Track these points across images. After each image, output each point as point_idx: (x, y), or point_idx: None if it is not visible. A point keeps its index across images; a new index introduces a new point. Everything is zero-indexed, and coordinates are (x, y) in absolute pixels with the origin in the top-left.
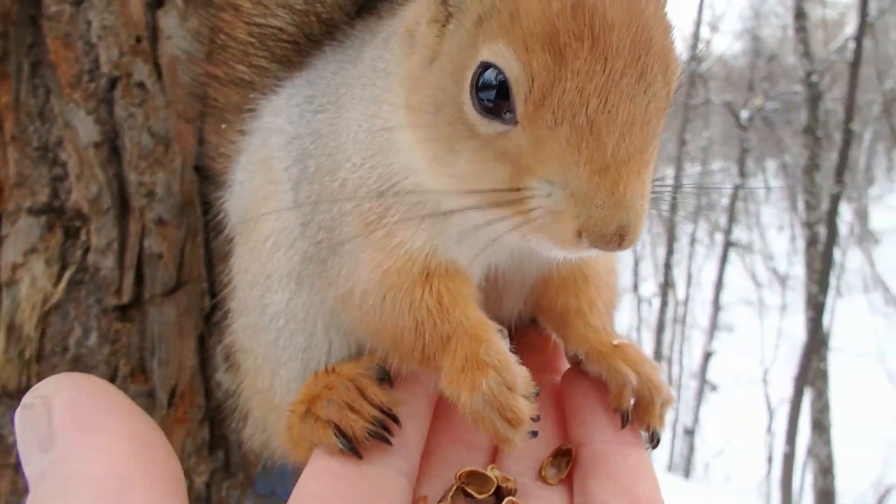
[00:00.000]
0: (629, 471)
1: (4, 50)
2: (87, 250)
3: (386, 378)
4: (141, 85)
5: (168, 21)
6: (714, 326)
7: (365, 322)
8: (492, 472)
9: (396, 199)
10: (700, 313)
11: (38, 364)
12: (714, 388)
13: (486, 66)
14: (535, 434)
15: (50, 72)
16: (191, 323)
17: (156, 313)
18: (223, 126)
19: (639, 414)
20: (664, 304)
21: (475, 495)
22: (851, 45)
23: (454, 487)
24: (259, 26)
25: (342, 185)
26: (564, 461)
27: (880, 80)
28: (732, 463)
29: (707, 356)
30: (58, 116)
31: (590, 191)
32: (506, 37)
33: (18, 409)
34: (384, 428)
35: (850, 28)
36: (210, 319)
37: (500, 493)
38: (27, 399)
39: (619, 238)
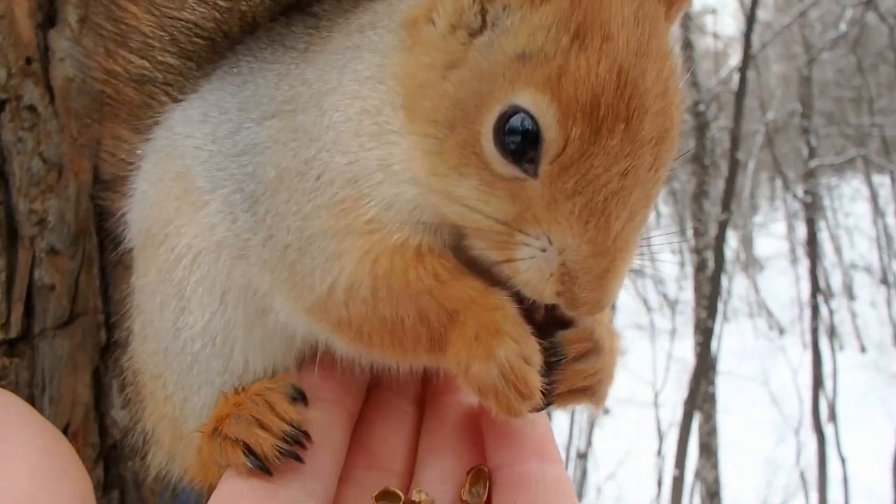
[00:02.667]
0: (548, 492)
1: None
2: None
3: (300, 398)
4: (31, 108)
5: (61, 42)
6: None
7: (354, 323)
8: (418, 496)
9: (372, 189)
10: None
11: None
12: (607, 411)
13: (517, 109)
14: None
15: None
16: (85, 357)
17: (47, 348)
18: (121, 126)
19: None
20: None
21: None
22: (736, 76)
23: None
24: (171, 19)
25: (317, 179)
26: (483, 483)
27: (763, 110)
28: (624, 486)
29: None
30: None
31: (582, 270)
32: (550, 92)
33: None
34: (297, 444)
35: (735, 59)
36: (106, 353)
37: None
38: None
39: (587, 310)
